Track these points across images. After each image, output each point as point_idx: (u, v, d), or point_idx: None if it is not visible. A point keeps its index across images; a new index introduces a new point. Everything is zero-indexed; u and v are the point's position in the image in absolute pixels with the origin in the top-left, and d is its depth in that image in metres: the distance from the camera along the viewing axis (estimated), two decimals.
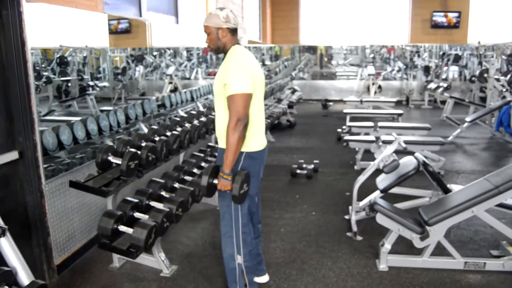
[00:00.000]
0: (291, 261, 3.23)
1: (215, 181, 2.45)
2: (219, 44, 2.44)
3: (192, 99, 6.36)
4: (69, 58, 10.33)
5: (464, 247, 3.37)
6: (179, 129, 3.83)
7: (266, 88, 7.51)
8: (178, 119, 4.10)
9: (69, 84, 9.62)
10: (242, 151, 2.44)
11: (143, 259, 3.15)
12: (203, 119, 4.30)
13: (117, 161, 2.86)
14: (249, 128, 2.42)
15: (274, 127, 7.74)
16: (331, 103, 10.75)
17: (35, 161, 2.82)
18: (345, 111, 7.49)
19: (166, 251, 3.27)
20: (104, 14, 3.98)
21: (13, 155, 2.72)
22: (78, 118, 3.85)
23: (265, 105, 7.59)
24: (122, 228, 2.74)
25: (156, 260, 3.09)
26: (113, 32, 12.60)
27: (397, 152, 3.66)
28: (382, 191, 3.66)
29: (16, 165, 2.76)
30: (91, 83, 9.70)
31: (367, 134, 6.09)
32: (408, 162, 3.70)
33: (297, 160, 5.52)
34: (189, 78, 11.88)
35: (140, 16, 5.09)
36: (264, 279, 2.96)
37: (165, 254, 3.18)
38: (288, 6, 12.85)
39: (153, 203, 3.09)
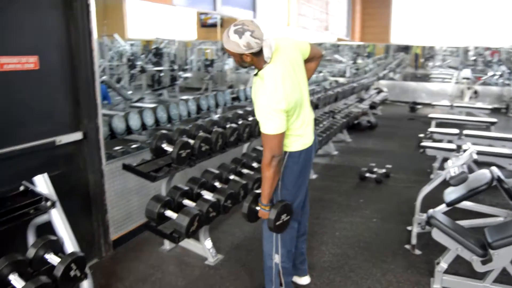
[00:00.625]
0: (338, 267, 3.09)
1: (257, 208, 2.48)
2: (245, 64, 2.27)
3: None
4: (163, 50, 10.96)
5: None
6: (240, 122, 3.85)
7: (346, 86, 7.28)
8: (241, 112, 4.11)
9: (162, 74, 10.20)
10: (285, 150, 2.39)
11: (191, 245, 3.24)
12: None
13: (170, 148, 2.96)
14: (289, 134, 2.35)
15: (352, 127, 7.47)
16: (419, 106, 10.09)
17: (97, 143, 3.02)
18: (430, 115, 6.97)
19: (216, 240, 3.34)
20: (173, 6, 4.07)
21: (78, 135, 2.94)
22: (150, 106, 4.09)
23: (344, 104, 7.37)
24: (168, 213, 2.83)
25: (202, 248, 3.16)
26: (204, 25, 13.11)
27: (480, 163, 3.31)
28: (448, 205, 3.34)
29: (80, 145, 2.98)
30: (180, 73, 10.21)
31: (450, 141, 5.61)
32: (481, 176, 3.33)
33: (370, 163, 5.27)
34: None
35: (214, 10, 5.17)
36: (304, 280, 2.88)
37: (215, 243, 3.25)
38: (379, 4, 12.26)
39: (203, 192, 3.15)
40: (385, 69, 12.04)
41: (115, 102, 5.66)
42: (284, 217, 2.41)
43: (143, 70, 9.66)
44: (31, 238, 2.42)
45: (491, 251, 2.64)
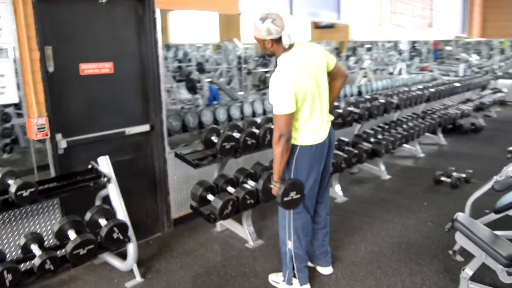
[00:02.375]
0: (367, 263, 3.17)
1: (271, 185, 2.74)
2: (268, 52, 2.59)
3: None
4: None
5: None
6: None
7: (444, 86, 6.89)
8: None
9: (267, 75, 10.81)
10: (296, 144, 2.61)
11: (238, 229, 3.61)
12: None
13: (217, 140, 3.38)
14: (301, 125, 2.57)
15: (453, 129, 7.04)
16: None
17: (161, 134, 3.59)
18: None
19: (263, 227, 3.69)
20: (239, 13, 4.47)
21: (146, 127, 3.54)
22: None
23: (443, 105, 6.97)
24: (209, 196, 3.25)
25: (244, 232, 3.52)
26: (318, 27, 13.42)
27: None
28: (495, 212, 3.15)
29: (148, 135, 3.58)
30: None
31: None
32: None
33: (454, 167, 5.00)
34: (391, 73, 11.65)
35: (291, 14, 5.44)
36: (325, 270, 3.04)
37: (261, 230, 3.65)
38: None
39: (249, 182, 3.50)
40: None
41: (224, 102, 6.25)
42: (293, 194, 2.60)
43: (249, 72, 10.38)
44: None
45: None
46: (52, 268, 2.52)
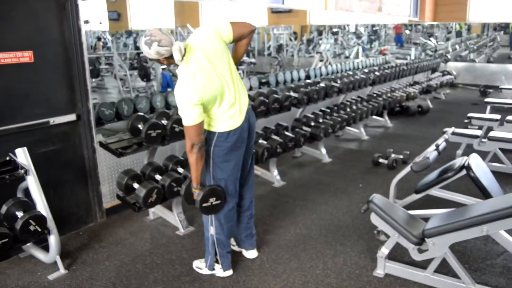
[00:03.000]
0: (293, 246, 3.24)
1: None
2: (167, 64, 2.55)
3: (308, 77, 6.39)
4: None
5: (483, 270, 2.81)
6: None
7: (389, 70, 7.02)
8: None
9: None
10: (214, 131, 2.62)
11: (169, 217, 3.62)
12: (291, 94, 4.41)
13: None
14: (216, 114, 2.57)
15: (400, 112, 7.21)
16: (491, 90, 9.18)
17: (88, 123, 3.53)
18: (486, 100, 6.42)
19: (194, 214, 3.68)
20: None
21: (72, 117, 3.47)
22: None
23: (391, 87, 7.11)
24: (135, 185, 3.24)
25: (174, 219, 3.53)
26: (274, 11, 13.31)
27: None
28: (416, 192, 3.27)
29: (75, 125, 3.51)
30: (245, 59, 10.55)
31: (490, 128, 5.21)
32: (455, 163, 3.19)
33: (396, 149, 5.14)
34: (347, 57, 11.77)
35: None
36: (250, 254, 3.09)
37: (195, 216, 3.62)
38: None
39: (178, 168, 3.50)
40: (467, 50, 11.09)
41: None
42: (213, 200, 2.66)
43: None
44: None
45: (427, 240, 2.61)
46: None
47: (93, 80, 8.63)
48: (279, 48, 11.60)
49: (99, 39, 13.06)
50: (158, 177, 3.37)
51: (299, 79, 6.32)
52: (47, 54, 3.26)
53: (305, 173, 4.78)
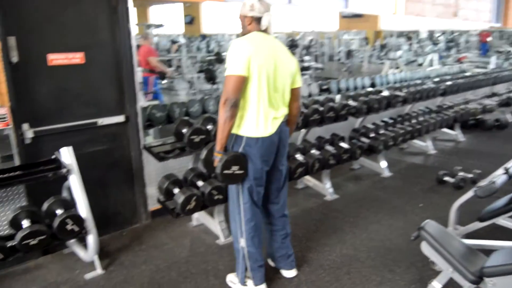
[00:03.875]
0: (336, 267, 2.99)
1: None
2: (245, 31, 2.54)
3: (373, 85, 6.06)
4: (298, 42, 11.28)
5: None
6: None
7: (463, 80, 6.43)
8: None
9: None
10: (242, 135, 2.48)
11: (211, 224, 3.52)
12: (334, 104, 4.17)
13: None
14: (247, 112, 2.44)
15: (475, 125, 6.58)
16: None
17: (136, 125, 3.54)
18: None
19: None
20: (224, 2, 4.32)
21: (121, 118, 3.49)
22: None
23: (465, 98, 6.52)
24: (175, 190, 3.17)
25: (215, 227, 3.42)
26: (345, 16, 13.03)
27: None
28: (479, 220, 2.88)
29: (124, 126, 3.53)
30: (312, 64, 10.35)
31: None
32: None
33: (466, 166, 4.66)
34: (420, 64, 11.10)
35: (290, 2, 5.23)
36: (287, 273, 2.89)
37: None
38: None
39: None
40: None
41: None
42: (235, 168, 2.47)
43: None
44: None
45: (486, 279, 2.25)
46: (1, 256, 2.54)
47: (164, 81, 8.87)
48: (348, 54, 11.21)
49: (173, 42, 13.51)
50: (200, 183, 3.28)
51: (363, 87, 5.99)
52: (98, 56, 3.30)
53: (361, 187, 4.47)
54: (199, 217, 3.63)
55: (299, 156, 3.90)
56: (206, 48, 13.55)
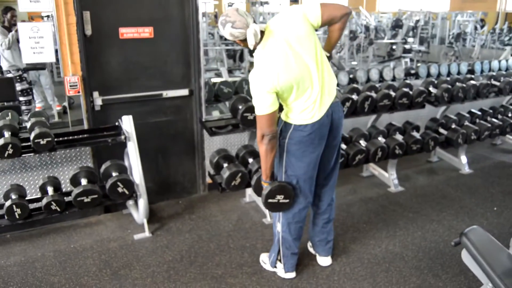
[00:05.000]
0: (376, 263, 2.84)
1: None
2: (244, 47, 2.41)
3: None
4: (403, 22, 10.59)
5: None
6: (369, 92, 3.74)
7: None
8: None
9: (394, 47, 9.96)
10: (290, 122, 2.41)
11: (260, 202, 3.54)
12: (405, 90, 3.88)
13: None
14: (292, 104, 2.36)
15: None
16: None
17: (199, 99, 3.66)
18: None
19: None
20: None
21: (185, 92, 3.64)
22: None
23: None
24: (225, 164, 3.24)
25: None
26: None
27: None
28: None
29: (188, 100, 3.68)
30: (414, 46, 9.66)
31: None
32: None
33: None
34: None
35: None
36: (322, 261, 2.83)
37: None
38: None
39: None
40: None
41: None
42: (280, 198, 2.48)
43: (371, 42, 9.67)
44: (126, 161, 3.31)
45: None
46: (58, 209, 2.86)
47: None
48: (457, 37, 10.16)
49: None
50: (251, 160, 3.31)
51: (459, 73, 5.43)
52: (166, 31, 3.46)
53: (432, 181, 4.13)
54: (252, 194, 3.69)
55: (362, 142, 3.73)
56: None
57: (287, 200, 2.50)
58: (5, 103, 4.89)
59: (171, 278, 2.69)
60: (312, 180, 2.55)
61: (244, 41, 2.30)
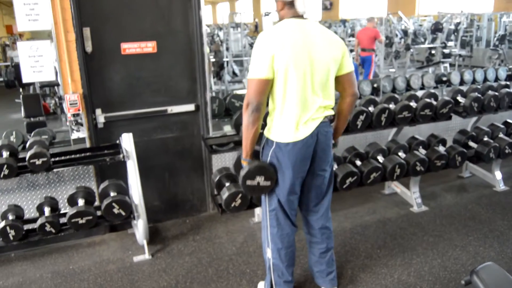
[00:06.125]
0: None
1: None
2: (279, 17, 2.27)
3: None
4: (444, 25, 10.12)
5: None
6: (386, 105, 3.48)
7: None
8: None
9: (433, 52, 9.48)
10: (272, 139, 2.24)
11: None
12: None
13: None
14: (276, 115, 2.21)
15: None
16: None
17: (205, 115, 3.53)
18: None
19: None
20: None
21: (191, 107, 3.52)
22: None
23: None
24: (226, 184, 3.08)
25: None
26: None
27: None
28: None
29: (194, 115, 3.56)
30: (454, 50, 9.17)
31: None
32: None
33: None
34: None
35: None
36: None
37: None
38: None
39: None
40: None
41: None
42: (260, 180, 2.27)
43: (408, 47, 9.23)
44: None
45: None
46: (53, 230, 2.81)
47: None
48: (502, 39, 9.49)
49: None
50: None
51: (496, 80, 5.01)
52: (170, 45, 3.35)
53: (461, 199, 3.76)
54: (260, 214, 3.50)
55: (380, 158, 3.46)
56: (344, 33, 13.02)
57: (268, 183, 2.27)
58: (31, 119, 5.02)
59: None
60: (292, 202, 2.35)
61: (286, 4, 2.19)
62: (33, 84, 6.68)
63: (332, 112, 2.30)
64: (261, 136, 2.35)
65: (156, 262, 3.02)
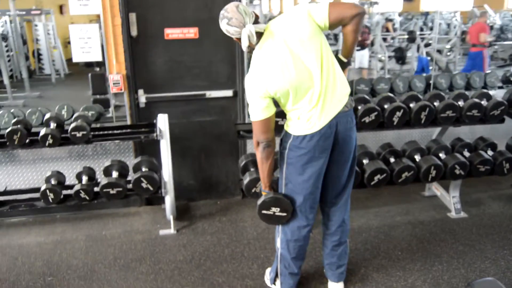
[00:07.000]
0: None
1: None
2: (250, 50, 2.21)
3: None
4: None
5: None
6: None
7: None
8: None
9: (502, 50, 8.80)
10: (289, 133, 2.25)
11: None
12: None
13: None
14: (291, 113, 2.19)
15: None
16: None
17: (243, 100, 3.61)
18: None
19: None
20: None
21: (229, 93, 3.62)
22: None
23: None
24: (252, 169, 3.14)
25: None
26: None
27: None
28: None
29: (232, 101, 3.65)
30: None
31: None
32: None
33: None
34: None
35: None
36: (333, 286, 2.56)
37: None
38: None
39: None
40: None
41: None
42: (276, 210, 2.33)
43: (489, 44, 8.53)
44: None
45: None
46: (87, 197, 3.08)
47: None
48: None
49: (388, 20, 12.82)
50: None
51: None
52: (212, 32, 3.45)
53: (507, 210, 3.46)
54: None
55: (417, 158, 3.31)
56: (425, 27, 12.29)
57: (284, 214, 2.32)
58: (98, 96, 5.45)
59: (172, 278, 2.71)
60: (313, 197, 2.32)
61: (238, 40, 2.18)
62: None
63: (348, 99, 2.22)
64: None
65: (179, 237, 3.19)
